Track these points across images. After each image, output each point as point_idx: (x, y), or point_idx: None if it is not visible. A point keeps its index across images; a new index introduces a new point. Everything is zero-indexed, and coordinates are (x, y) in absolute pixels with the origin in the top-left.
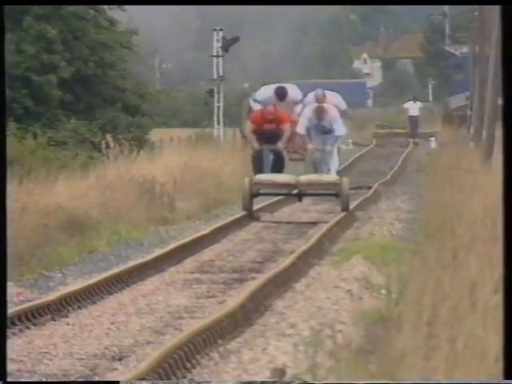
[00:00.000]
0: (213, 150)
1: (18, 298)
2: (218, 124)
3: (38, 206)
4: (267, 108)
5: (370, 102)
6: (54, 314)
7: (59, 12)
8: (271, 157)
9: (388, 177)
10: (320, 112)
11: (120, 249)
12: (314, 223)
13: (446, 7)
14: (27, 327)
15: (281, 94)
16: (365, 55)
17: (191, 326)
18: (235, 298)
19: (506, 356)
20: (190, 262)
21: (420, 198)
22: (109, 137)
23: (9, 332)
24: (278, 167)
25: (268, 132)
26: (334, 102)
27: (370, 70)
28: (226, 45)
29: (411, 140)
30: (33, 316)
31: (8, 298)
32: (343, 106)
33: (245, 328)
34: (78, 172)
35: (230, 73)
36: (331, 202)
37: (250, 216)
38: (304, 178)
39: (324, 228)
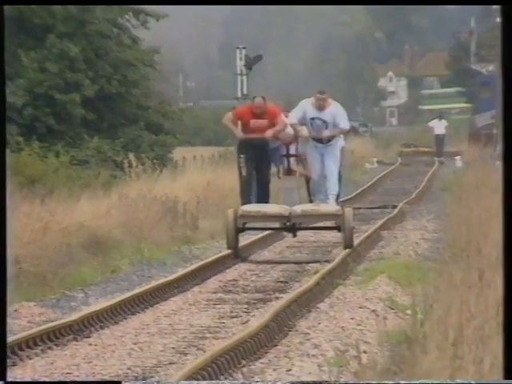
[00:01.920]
0: (236, 168)
1: (40, 318)
2: None
3: (61, 225)
4: (255, 100)
5: (394, 121)
6: (76, 334)
7: (82, 30)
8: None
9: (413, 196)
10: (320, 102)
11: (143, 268)
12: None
13: (472, 25)
14: (49, 348)
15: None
16: (390, 73)
17: (214, 346)
18: (259, 318)
19: (506, 356)
20: (213, 282)
21: (446, 218)
22: (131, 155)
23: (31, 352)
24: (263, 196)
25: (257, 130)
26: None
27: (395, 88)
28: (250, 63)
29: (437, 159)
30: (55, 336)
31: (30, 318)
32: (345, 124)
33: (268, 348)
34: (101, 191)
35: (254, 91)
36: (356, 221)
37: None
38: (299, 208)
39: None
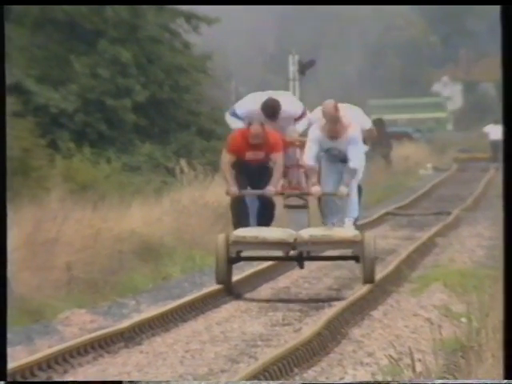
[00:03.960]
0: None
1: (92, 326)
2: None
3: (112, 231)
4: (251, 127)
5: (449, 126)
6: (127, 341)
7: (134, 35)
8: (256, 203)
9: (468, 202)
10: (332, 128)
11: (194, 275)
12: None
13: None
14: (100, 355)
15: (271, 110)
16: (445, 78)
17: (266, 354)
18: (311, 325)
19: (506, 356)
20: (265, 289)
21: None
22: (183, 161)
23: (82, 360)
24: (265, 217)
25: (253, 165)
26: (352, 118)
27: (451, 93)
28: (303, 68)
29: (493, 164)
30: (106, 344)
31: (81, 325)
32: (367, 124)
33: (321, 356)
34: (152, 197)
35: (307, 96)
36: (410, 227)
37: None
38: (306, 233)
39: (403, 254)
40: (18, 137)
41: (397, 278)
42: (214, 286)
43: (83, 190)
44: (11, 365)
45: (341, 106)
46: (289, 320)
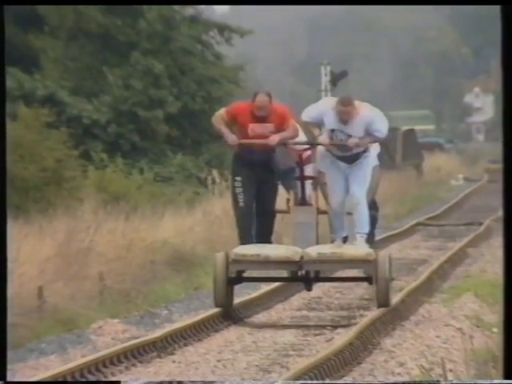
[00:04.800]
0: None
1: (124, 335)
2: None
3: (145, 242)
4: (257, 98)
5: (481, 137)
6: (160, 351)
7: (167, 47)
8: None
9: (500, 213)
10: (343, 115)
11: None
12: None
13: None
14: (133, 364)
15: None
16: (477, 89)
17: (298, 364)
18: (343, 335)
19: (506, 356)
20: (296, 299)
21: None
22: (215, 172)
23: (115, 369)
24: (263, 226)
25: (259, 139)
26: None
27: (482, 104)
28: (335, 79)
29: None
30: (139, 353)
31: (114, 334)
32: (382, 132)
33: (353, 366)
34: (184, 208)
35: None
36: (442, 238)
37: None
38: (314, 251)
39: (434, 265)
40: (51, 148)
41: (428, 288)
42: (246, 297)
43: (116, 201)
44: (44, 374)
45: (359, 103)
46: (320, 330)
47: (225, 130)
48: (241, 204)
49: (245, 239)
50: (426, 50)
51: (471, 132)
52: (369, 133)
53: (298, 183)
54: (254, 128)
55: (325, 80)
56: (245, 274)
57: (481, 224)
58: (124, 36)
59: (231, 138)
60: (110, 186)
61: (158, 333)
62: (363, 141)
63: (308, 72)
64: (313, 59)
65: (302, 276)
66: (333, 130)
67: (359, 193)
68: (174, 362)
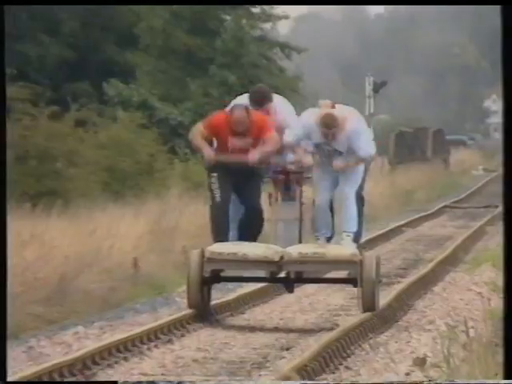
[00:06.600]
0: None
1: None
2: None
3: None
4: (233, 112)
5: (497, 135)
6: (232, 311)
7: (238, 62)
8: (240, 211)
9: None
10: (330, 132)
11: None
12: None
13: None
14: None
15: (258, 97)
16: (494, 95)
17: (346, 321)
18: (383, 298)
19: (506, 356)
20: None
21: None
22: None
23: (196, 326)
24: (249, 229)
25: (238, 152)
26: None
27: (498, 107)
28: (377, 87)
29: None
30: (216, 312)
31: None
32: (364, 150)
33: (391, 324)
34: None
35: (379, 110)
36: (465, 218)
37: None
38: (295, 250)
39: (458, 240)
40: (144, 144)
41: (453, 259)
42: None
43: (197, 188)
44: (139, 329)
45: (339, 106)
46: None
47: (203, 145)
48: (217, 199)
49: (220, 236)
50: (452, 63)
51: (489, 131)
52: (352, 150)
53: (281, 176)
54: (233, 141)
55: (368, 89)
56: (223, 274)
57: (497, 207)
58: (203, 53)
59: (207, 153)
60: (192, 175)
61: (230, 296)
62: (348, 162)
63: (354, 81)
64: (358, 70)
65: (281, 278)
66: (318, 145)
67: (348, 188)
68: (245, 319)
